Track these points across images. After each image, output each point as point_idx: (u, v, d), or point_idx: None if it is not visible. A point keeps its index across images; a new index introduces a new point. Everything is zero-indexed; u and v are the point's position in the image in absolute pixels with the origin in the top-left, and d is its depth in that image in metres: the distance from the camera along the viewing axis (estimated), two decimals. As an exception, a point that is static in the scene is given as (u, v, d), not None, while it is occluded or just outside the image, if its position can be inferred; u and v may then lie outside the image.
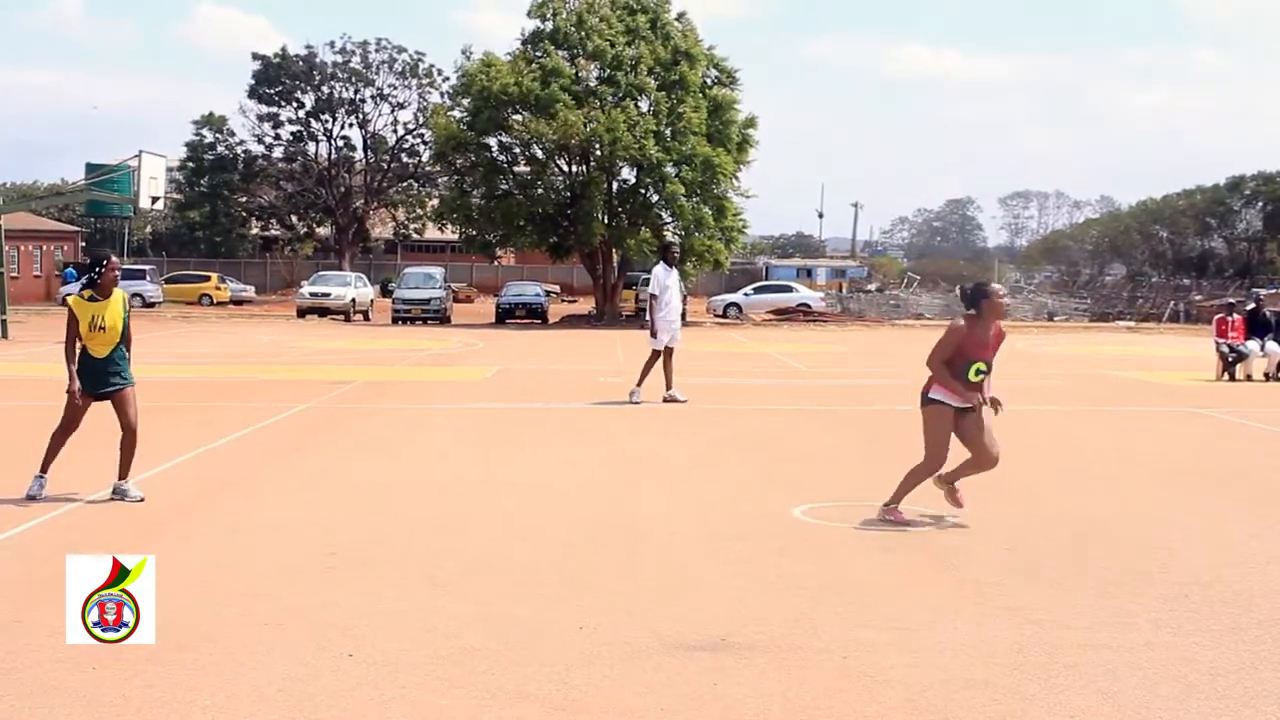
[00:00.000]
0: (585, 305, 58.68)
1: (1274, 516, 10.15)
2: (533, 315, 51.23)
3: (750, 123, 50.44)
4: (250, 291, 71.21)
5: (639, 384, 18.08)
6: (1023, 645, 6.37)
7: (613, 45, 48.30)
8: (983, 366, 9.32)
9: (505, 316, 51.12)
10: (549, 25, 50.09)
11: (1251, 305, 26.09)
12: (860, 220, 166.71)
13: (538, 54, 49.11)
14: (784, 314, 54.92)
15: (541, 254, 56.96)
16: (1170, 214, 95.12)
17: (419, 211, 77.52)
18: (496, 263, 75.64)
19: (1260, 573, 8.15)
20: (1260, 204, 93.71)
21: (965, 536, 9.02)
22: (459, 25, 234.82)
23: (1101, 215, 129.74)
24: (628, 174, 50.03)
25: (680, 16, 51.22)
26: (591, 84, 48.59)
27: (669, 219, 49.83)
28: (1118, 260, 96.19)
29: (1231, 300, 29.24)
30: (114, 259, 9.89)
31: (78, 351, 9.70)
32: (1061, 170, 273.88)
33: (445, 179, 59.44)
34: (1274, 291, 49.08)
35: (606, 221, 49.07)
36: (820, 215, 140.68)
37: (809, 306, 56.56)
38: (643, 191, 49.74)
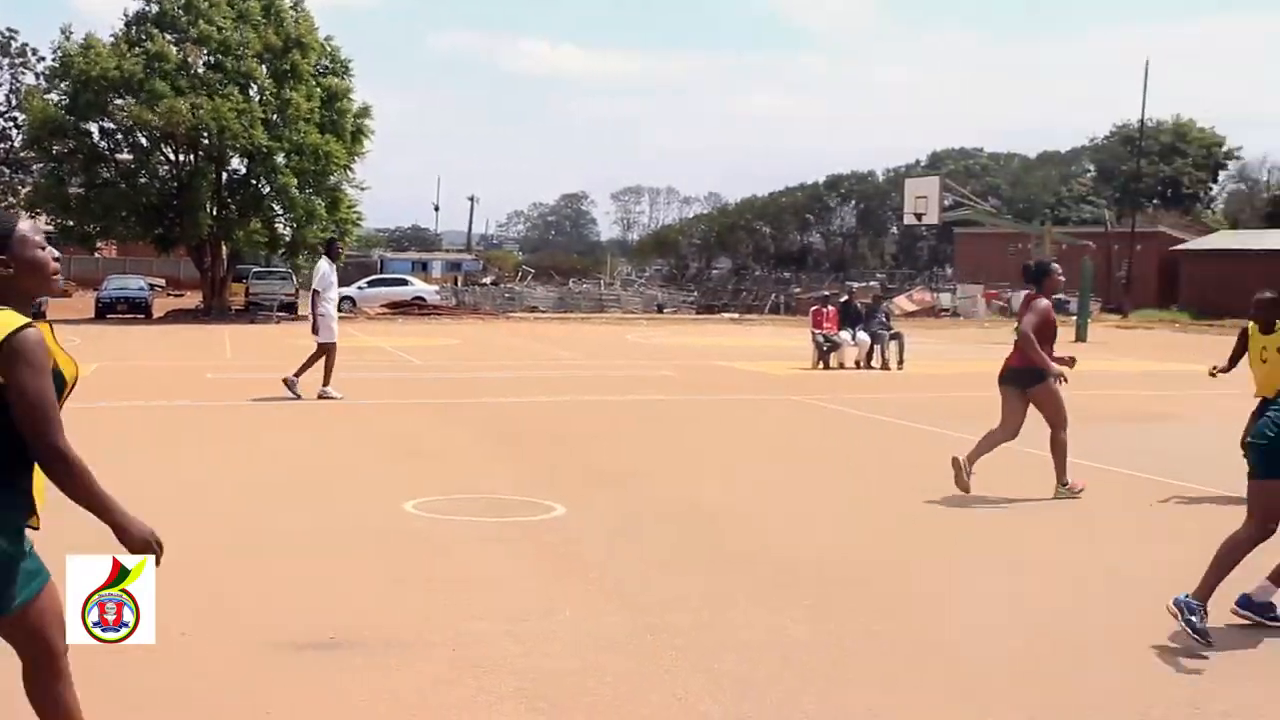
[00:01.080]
0: (193, 300, 56.58)
1: (857, 494, 10.77)
2: (136, 310, 49.00)
3: (364, 112, 49.84)
4: None
5: (297, 374, 17.59)
6: (631, 630, 6.52)
7: (220, 30, 46.73)
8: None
9: (106, 311, 48.67)
10: (154, 7, 48.08)
11: (845, 298, 27.69)
12: (476, 214, 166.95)
13: (141, 37, 47.03)
14: (399, 307, 54.51)
15: (146, 246, 54.69)
16: (774, 211, 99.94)
17: (10, 200, 72.91)
18: (97, 255, 72.12)
19: (845, 549, 8.63)
20: (854, 202, 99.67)
21: (573, 525, 9.16)
22: (59, 5, 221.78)
23: (710, 211, 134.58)
24: (238, 164, 48.57)
25: (296, 4, 50.04)
26: (199, 70, 46.90)
27: (280, 211, 48.68)
28: (724, 254, 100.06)
29: (827, 293, 30.94)
30: None
31: None
32: (673, 167, 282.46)
33: (40, 165, 56.21)
34: (865, 285, 52.07)
35: (215, 213, 47.47)
36: (436, 208, 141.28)
37: (424, 300, 56.36)
38: (254, 182, 48.35)
